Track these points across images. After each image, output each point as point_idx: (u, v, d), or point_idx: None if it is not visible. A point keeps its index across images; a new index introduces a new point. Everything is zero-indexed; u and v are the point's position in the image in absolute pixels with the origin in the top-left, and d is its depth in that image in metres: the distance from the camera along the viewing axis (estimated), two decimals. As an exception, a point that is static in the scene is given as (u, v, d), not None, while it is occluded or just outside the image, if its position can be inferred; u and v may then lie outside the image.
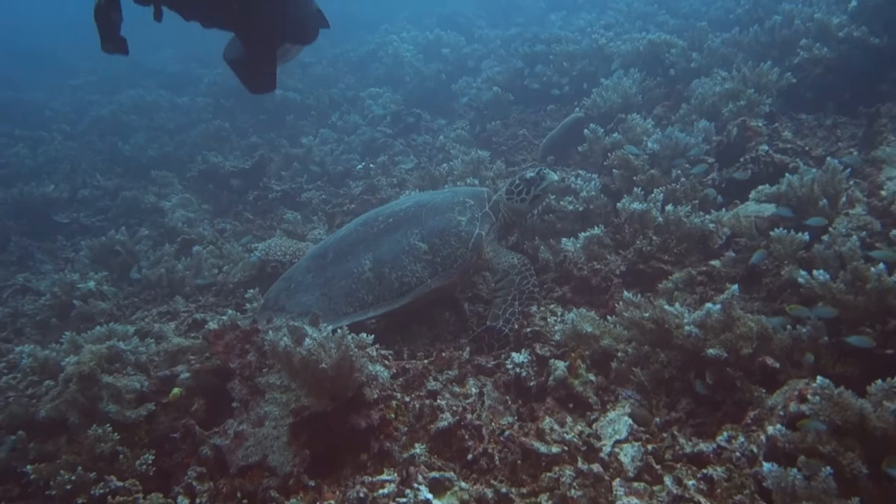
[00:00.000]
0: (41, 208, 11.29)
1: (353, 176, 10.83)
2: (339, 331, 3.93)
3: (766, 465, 2.70)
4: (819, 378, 2.89)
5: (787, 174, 4.63)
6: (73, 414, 4.44)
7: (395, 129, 12.23)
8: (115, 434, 4.24)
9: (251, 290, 6.06)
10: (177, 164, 13.35)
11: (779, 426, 2.97)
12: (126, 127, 16.13)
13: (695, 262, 4.99)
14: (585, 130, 7.29)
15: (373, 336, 4.06)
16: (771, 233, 4.28)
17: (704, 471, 3.26)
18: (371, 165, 10.73)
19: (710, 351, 3.56)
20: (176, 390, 4.61)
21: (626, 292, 4.29)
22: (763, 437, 3.22)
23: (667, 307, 3.85)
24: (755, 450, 3.19)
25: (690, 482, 3.23)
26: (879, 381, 2.82)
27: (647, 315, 3.94)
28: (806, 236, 4.16)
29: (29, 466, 4.08)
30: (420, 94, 14.33)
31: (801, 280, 3.74)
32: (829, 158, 4.54)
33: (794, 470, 2.64)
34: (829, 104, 7.05)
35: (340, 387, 3.90)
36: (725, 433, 3.44)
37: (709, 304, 3.66)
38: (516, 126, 10.25)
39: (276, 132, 14.02)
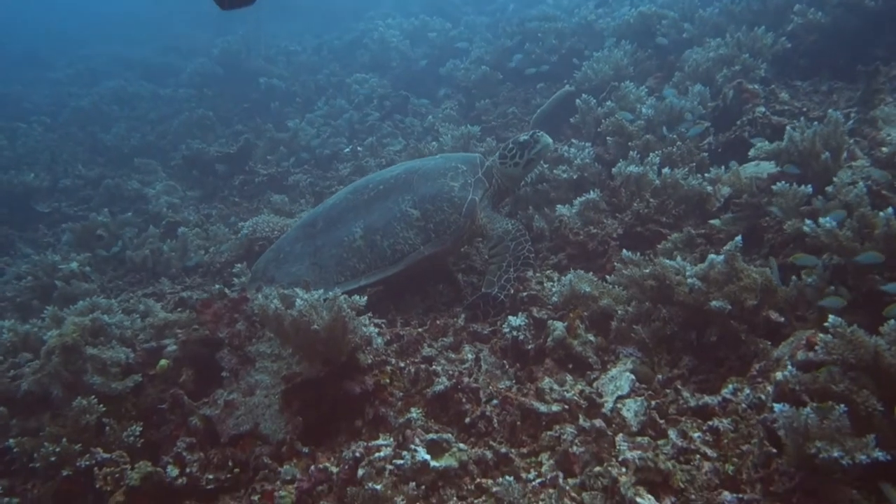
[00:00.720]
0: (21, 197, 11.09)
1: (340, 158, 10.73)
2: (330, 293, 3.83)
3: (777, 406, 2.63)
4: (831, 316, 2.82)
5: (787, 128, 4.55)
6: (55, 387, 4.33)
7: (383, 112, 12.10)
8: (101, 406, 4.13)
9: (238, 265, 5.96)
10: (160, 154, 13.22)
11: (789, 367, 2.89)
12: (107, 117, 15.95)
13: (693, 224, 4.93)
14: (577, 101, 7.21)
15: (365, 298, 3.95)
16: (773, 187, 4.21)
17: (710, 423, 3.20)
18: (359, 148, 10.63)
19: (714, 303, 3.50)
20: (163, 362, 4.51)
21: (625, 251, 4.21)
22: (770, 388, 3.17)
23: (668, 262, 3.78)
24: (763, 397, 3.13)
25: (696, 434, 3.17)
26: (893, 321, 2.75)
27: (647, 271, 3.87)
28: (809, 188, 4.09)
29: (11, 440, 3.96)
30: (407, 79, 14.18)
31: (806, 229, 3.67)
32: (830, 111, 4.48)
33: (807, 409, 2.56)
34: (824, 71, 7.00)
35: (334, 349, 3.81)
36: (731, 385, 3.38)
37: (712, 255, 3.60)
38: (506, 104, 10.17)
39: (261, 119, 13.87)
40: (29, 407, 4.40)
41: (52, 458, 3.84)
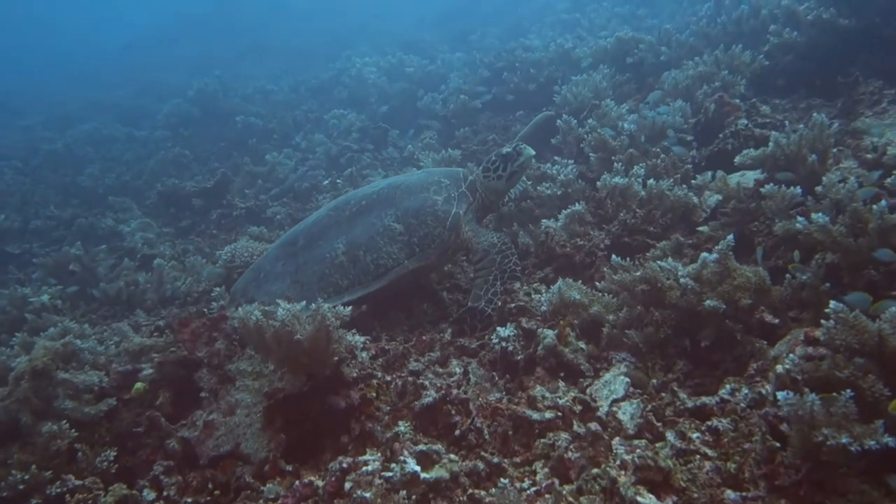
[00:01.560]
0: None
1: (319, 190, 10.67)
2: (312, 304, 3.74)
3: (781, 394, 2.57)
4: (832, 302, 2.79)
5: (773, 133, 4.59)
6: (25, 414, 4.15)
7: (361, 144, 12.11)
8: (73, 431, 3.98)
9: (217, 289, 5.83)
10: (135, 193, 13.07)
11: (790, 357, 2.84)
12: (81, 160, 15.84)
13: (680, 234, 4.92)
14: (558, 121, 7.27)
15: (349, 309, 3.86)
16: (762, 189, 4.21)
17: (709, 423, 3.14)
18: (338, 180, 10.60)
19: (708, 302, 3.46)
20: (139, 385, 4.36)
21: (614, 256, 4.18)
22: (769, 387, 3.12)
23: (660, 263, 3.75)
24: (763, 393, 3.08)
25: (694, 435, 3.10)
26: (894, 308, 2.72)
27: (637, 275, 3.83)
28: (798, 190, 4.10)
29: (-25, 469, 3.79)
30: (385, 114, 14.26)
31: (798, 226, 3.67)
32: (814, 114, 4.52)
33: (811, 395, 2.51)
34: (802, 90, 7.11)
35: (318, 361, 3.71)
36: (728, 386, 3.32)
37: (704, 254, 3.57)
38: (486, 132, 10.23)
39: (238, 154, 13.85)
40: (-4, 437, 4.23)
41: (21, 486, 3.69)
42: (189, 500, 3.59)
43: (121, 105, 22.94)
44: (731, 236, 3.58)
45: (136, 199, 12.30)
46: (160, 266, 7.66)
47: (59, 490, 3.66)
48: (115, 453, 3.98)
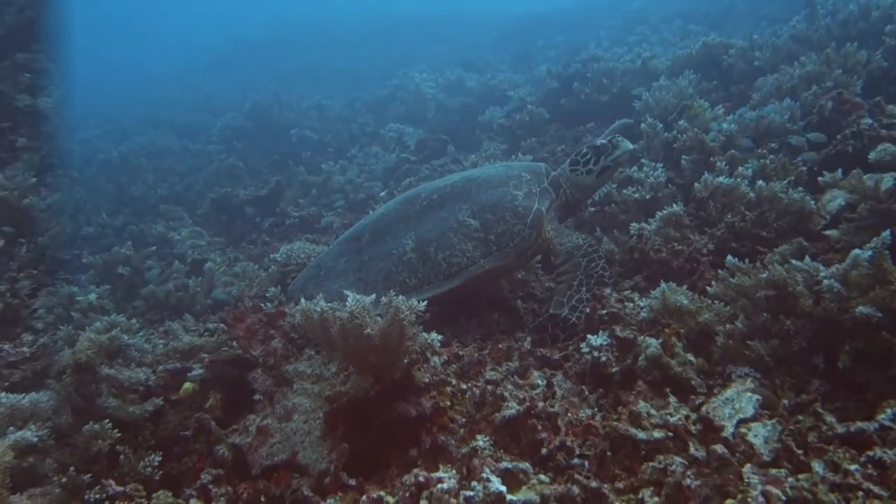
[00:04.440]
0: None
1: (376, 200, 10.37)
2: (383, 297, 3.35)
3: None
4: None
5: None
6: (65, 412, 3.82)
7: (420, 156, 11.81)
8: (116, 432, 3.63)
9: (272, 289, 5.49)
10: (187, 203, 13.00)
11: None
12: (135, 170, 15.88)
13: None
14: (643, 125, 6.82)
15: (425, 303, 3.43)
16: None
17: (869, 453, 2.61)
18: (395, 192, 10.29)
19: (861, 309, 2.94)
20: (188, 385, 4.03)
21: (729, 257, 3.69)
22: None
23: (795, 263, 3.25)
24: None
25: (852, 467, 2.57)
26: None
27: (763, 276, 3.34)
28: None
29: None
30: (444, 129, 13.89)
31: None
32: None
33: None
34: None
35: (388, 359, 3.31)
36: (889, 410, 2.80)
37: (856, 251, 3.05)
38: (553, 143, 9.82)
39: (293, 165, 13.72)
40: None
41: (57, 490, 3.34)
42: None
43: (176, 120, 23.21)
44: (887, 233, 3.07)
45: (187, 209, 12.21)
46: (211, 269, 7.40)
47: (98, 496, 3.33)
48: (159, 458, 3.62)
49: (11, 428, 3.56)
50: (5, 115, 9.18)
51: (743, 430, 2.92)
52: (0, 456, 3.31)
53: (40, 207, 7.11)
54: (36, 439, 3.45)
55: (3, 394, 3.77)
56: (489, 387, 3.61)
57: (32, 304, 6.13)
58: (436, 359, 3.74)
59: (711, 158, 5.40)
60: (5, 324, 5.68)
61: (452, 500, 2.79)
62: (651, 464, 2.95)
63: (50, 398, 3.93)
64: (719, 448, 2.81)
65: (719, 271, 3.82)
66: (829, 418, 2.87)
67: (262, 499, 3.26)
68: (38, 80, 10.14)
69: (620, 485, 2.99)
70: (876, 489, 2.46)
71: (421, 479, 2.81)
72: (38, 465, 3.47)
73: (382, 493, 2.92)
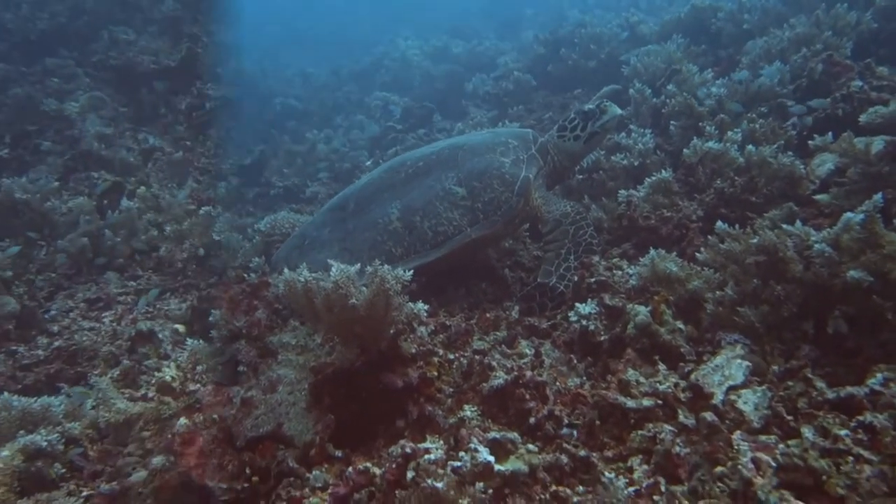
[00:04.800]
0: None
1: (361, 170, 10.25)
2: (368, 267, 3.28)
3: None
4: None
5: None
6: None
7: (406, 125, 11.67)
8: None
9: (256, 259, 5.38)
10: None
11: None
12: None
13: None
14: (630, 90, 6.73)
15: (411, 273, 3.37)
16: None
17: (859, 418, 2.58)
18: (381, 162, 10.16)
19: (852, 273, 2.90)
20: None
21: (719, 223, 3.65)
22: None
23: (786, 227, 3.21)
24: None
25: (843, 432, 2.54)
26: None
27: (754, 242, 3.29)
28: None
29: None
30: (430, 97, 13.71)
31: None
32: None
33: None
34: (908, 60, 6.42)
35: (374, 330, 3.25)
36: (879, 375, 2.76)
37: (848, 214, 3.01)
38: (541, 110, 9.72)
39: (277, 134, 13.50)
40: None
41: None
42: (223, 485, 3.14)
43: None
44: (879, 196, 3.03)
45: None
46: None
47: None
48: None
49: (21, 431, 3.48)
50: (32, 119, 9.16)
51: (733, 396, 2.89)
52: (9, 459, 3.24)
53: (61, 211, 6.84)
54: (45, 444, 3.39)
55: (15, 397, 3.69)
56: (477, 356, 3.57)
57: (49, 307, 5.92)
58: (422, 329, 3.68)
59: (700, 123, 5.34)
60: (22, 326, 5.50)
61: (440, 471, 2.75)
62: (640, 432, 2.93)
63: (61, 402, 3.83)
64: (709, 415, 2.78)
65: (709, 238, 3.78)
66: (819, 384, 2.84)
67: (248, 471, 3.21)
68: (65, 85, 10.09)
69: (609, 453, 2.98)
70: (866, 454, 2.43)
71: (408, 450, 2.76)
72: (46, 470, 3.38)
73: (369, 464, 2.88)
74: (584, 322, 3.73)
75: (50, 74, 10.29)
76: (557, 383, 3.48)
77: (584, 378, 3.59)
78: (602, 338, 3.65)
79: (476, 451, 2.85)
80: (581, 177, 5.72)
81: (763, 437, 2.68)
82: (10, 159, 8.53)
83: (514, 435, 3.15)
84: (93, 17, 11.88)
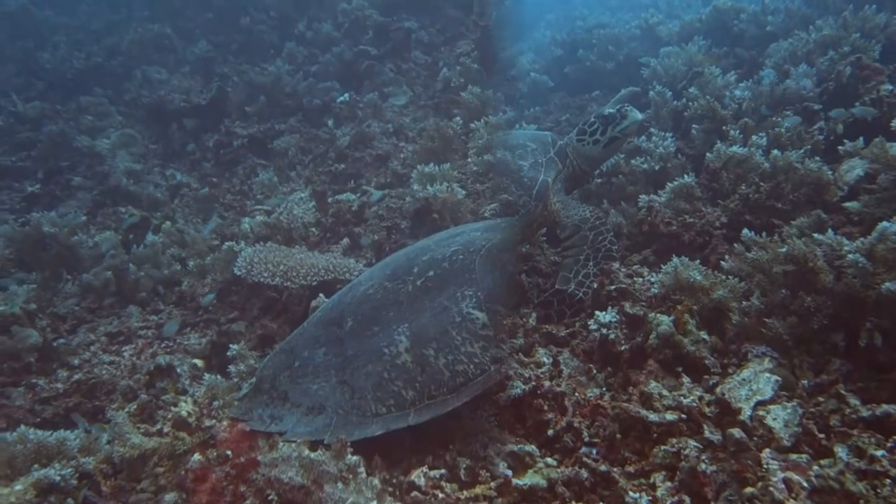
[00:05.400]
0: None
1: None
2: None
3: None
4: None
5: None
6: None
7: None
8: None
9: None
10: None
11: None
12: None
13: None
14: (651, 93, 6.59)
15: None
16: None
17: (896, 438, 2.48)
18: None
19: (888, 285, 2.79)
20: None
21: (745, 230, 3.54)
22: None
23: (817, 236, 3.10)
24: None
25: (879, 452, 2.43)
26: None
27: (782, 251, 3.19)
28: None
29: None
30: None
31: None
32: None
33: None
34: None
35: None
36: (916, 391, 2.66)
37: (884, 223, 2.89)
38: (558, 112, 9.60)
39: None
40: None
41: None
42: None
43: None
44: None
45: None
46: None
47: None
48: None
49: (36, 465, 3.42)
50: (65, 155, 9.51)
51: (761, 412, 2.79)
52: (21, 494, 3.19)
53: (88, 245, 6.95)
54: (58, 478, 3.32)
55: (31, 430, 3.64)
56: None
57: (70, 340, 5.90)
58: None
59: (724, 127, 5.22)
60: (43, 359, 5.50)
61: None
62: (663, 447, 2.84)
63: (77, 436, 3.77)
64: (736, 432, 2.68)
65: (734, 245, 3.67)
66: (853, 400, 2.74)
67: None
68: (98, 122, 10.48)
69: (631, 468, 2.89)
70: (905, 477, 2.33)
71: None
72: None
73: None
74: (603, 331, 3.64)
75: (84, 112, 10.72)
76: (576, 394, 3.40)
77: (604, 389, 3.50)
78: (622, 347, 3.56)
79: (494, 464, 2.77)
80: (600, 180, 5.61)
81: (794, 456, 2.58)
82: (42, 194, 8.94)
83: (531, 448, 3.08)
84: (128, 58, 12.28)
